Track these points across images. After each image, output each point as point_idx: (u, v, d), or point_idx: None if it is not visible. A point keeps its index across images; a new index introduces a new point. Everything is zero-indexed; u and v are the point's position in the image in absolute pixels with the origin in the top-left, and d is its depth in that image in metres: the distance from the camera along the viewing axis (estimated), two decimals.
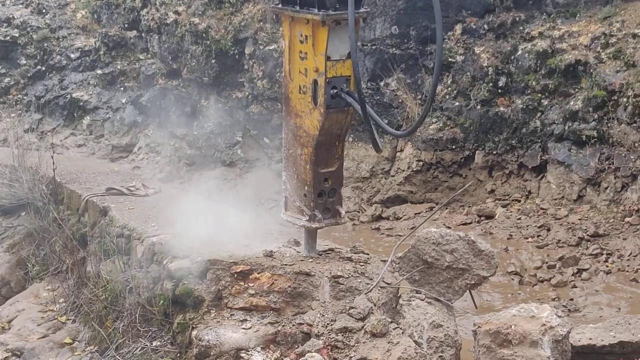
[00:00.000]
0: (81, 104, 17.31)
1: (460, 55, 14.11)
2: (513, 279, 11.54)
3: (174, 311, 7.18)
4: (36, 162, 10.94)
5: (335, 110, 6.83)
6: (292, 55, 6.88)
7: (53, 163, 10.23)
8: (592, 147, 12.81)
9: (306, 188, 7.01)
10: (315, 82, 6.75)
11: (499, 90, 13.73)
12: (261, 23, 15.57)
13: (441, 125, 14.03)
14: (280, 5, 6.90)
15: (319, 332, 6.74)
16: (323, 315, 6.83)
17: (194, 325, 6.90)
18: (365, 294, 6.93)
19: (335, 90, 6.75)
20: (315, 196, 6.99)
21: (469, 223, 13.11)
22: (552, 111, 13.24)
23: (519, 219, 12.90)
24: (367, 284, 7.01)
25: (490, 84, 13.73)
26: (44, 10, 18.18)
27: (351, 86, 6.78)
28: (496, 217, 13.13)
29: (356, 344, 6.68)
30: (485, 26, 14.07)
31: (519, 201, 13.38)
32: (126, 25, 17.67)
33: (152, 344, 7.26)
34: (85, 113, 17.30)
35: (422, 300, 7.30)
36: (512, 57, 13.67)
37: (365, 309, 6.82)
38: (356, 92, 6.66)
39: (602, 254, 11.76)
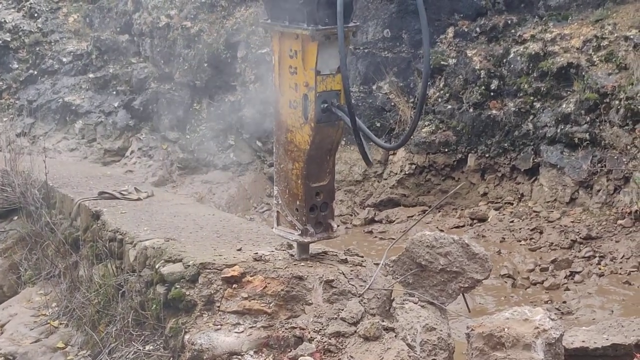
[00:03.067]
0: (73, 107, 17.30)
1: (452, 59, 14.11)
2: (506, 282, 11.54)
3: (166, 315, 7.16)
4: (28, 166, 10.92)
5: (325, 125, 6.79)
6: (281, 70, 6.85)
7: (45, 167, 10.21)
8: (585, 149, 12.82)
9: (298, 202, 6.98)
10: (305, 96, 6.72)
11: (491, 93, 13.74)
12: (253, 27, 15.56)
13: (434, 128, 14.03)
14: (269, 21, 6.88)
15: (311, 336, 6.73)
16: (316, 319, 6.82)
17: (186, 330, 6.88)
18: (358, 297, 6.93)
19: (326, 105, 6.73)
20: (307, 210, 6.97)
21: (462, 226, 13.11)
22: (544, 114, 13.25)
23: (512, 221, 12.91)
24: (361, 287, 7.00)
25: (483, 87, 13.74)
26: (36, 14, 18.16)
27: (341, 100, 6.76)
28: (489, 220, 13.13)
29: (349, 348, 6.67)
30: (478, 29, 14.08)
31: (512, 204, 13.39)
32: (118, 29, 17.66)
33: (144, 348, 7.25)
34: (77, 117, 17.29)
35: (416, 303, 7.28)
36: (504, 60, 13.68)
37: (358, 313, 6.81)
38: (346, 106, 6.64)
39: (595, 257, 11.77)
